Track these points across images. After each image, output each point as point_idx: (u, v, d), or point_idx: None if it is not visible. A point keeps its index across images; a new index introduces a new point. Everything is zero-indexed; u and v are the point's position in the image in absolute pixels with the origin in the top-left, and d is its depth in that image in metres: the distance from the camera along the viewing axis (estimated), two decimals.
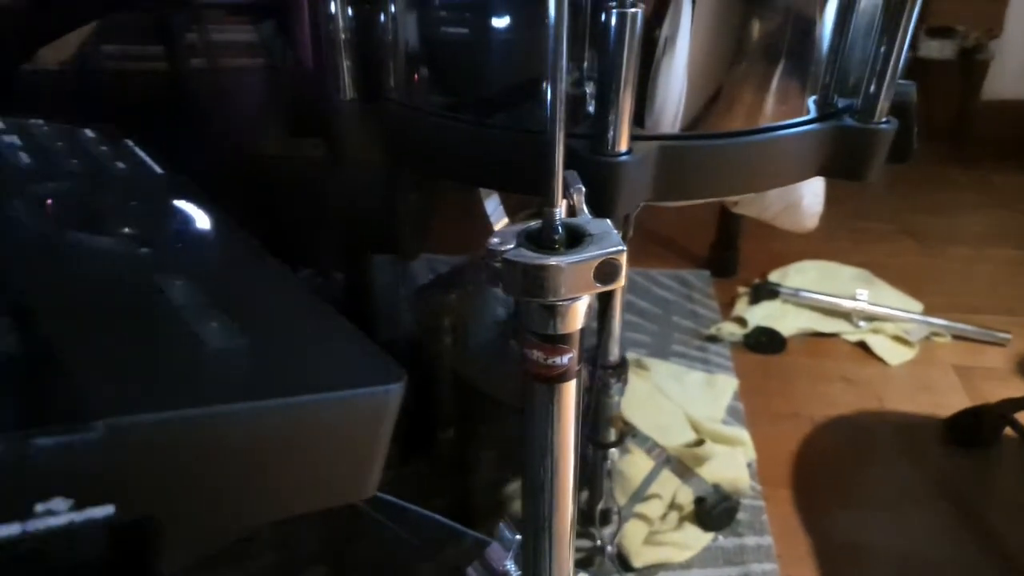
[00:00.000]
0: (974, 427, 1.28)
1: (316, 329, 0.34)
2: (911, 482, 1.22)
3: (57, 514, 0.24)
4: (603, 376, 0.93)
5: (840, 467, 1.26)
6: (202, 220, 0.41)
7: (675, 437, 1.26)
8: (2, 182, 0.38)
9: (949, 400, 1.36)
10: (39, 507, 0.24)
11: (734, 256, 1.72)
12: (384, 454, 0.32)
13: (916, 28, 0.55)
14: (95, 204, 0.39)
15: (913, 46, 0.56)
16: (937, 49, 2.06)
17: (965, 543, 1.12)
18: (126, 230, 0.37)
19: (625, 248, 0.44)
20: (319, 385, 0.30)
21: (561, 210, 0.45)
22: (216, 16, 1.68)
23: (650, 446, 1.10)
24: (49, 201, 0.38)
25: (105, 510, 0.25)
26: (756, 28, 0.54)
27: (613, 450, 1.00)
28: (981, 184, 2.10)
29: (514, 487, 1.18)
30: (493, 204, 0.69)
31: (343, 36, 0.59)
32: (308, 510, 0.31)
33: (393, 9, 0.58)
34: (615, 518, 1.04)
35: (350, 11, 0.59)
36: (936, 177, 2.02)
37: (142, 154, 0.49)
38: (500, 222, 0.75)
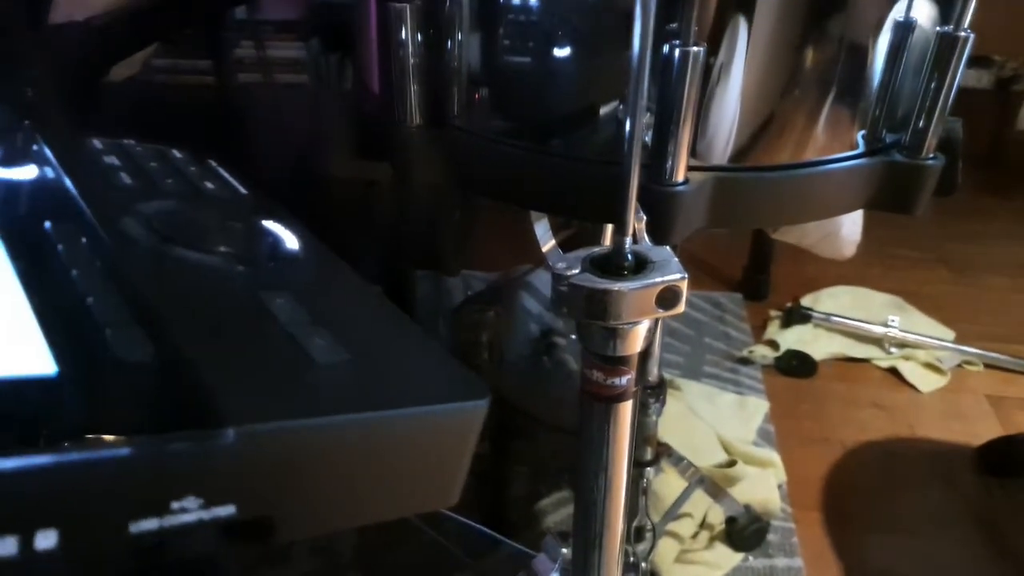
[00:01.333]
0: (1007, 456, 1.28)
1: (406, 345, 0.37)
2: (943, 510, 1.22)
3: (189, 512, 0.27)
4: (642, 396, 0.95)
5: (871, 492, 1.26)
6: (291, 240, 0.43)
7: (707, 457, 1.27)
8: (113, 201, 0.41)
9: (981, 429, 1.37)
10: (174, 505, 0.26)
11: (766, 279, 1.73)
12: (468, 464, 0.34)
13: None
14: (195, 223, 0.42)
15: None
16: (974, 78, 2.07)
17: (997, 572, 1.12)
18: (223, 249, 0.40)
19: (687, 276, 0.46)
20: (415, 399, 0.32)
21: (628, 239, 0.47)
22: (265, 33, 1.73)
23: (684, 466, 1.11)
24: (155, 220, 0.40)
25: (228, 509, 0.27)
26: (809, 60, 0.56)
27: (648, 469, 1.02)
28: (1015, 213, 2.10)
29: (547, 502, 1.20)
30: (543, 228, 0.72)
31: (412, 61, 0.61)
32: (399, 515, 0.33)
33: (460, 36, 0.60)
34: (649, 535, 1.05)
35: (419, 36, 0.61)
36: (970, 206, 2.03)
37: (226, 175, 0.52)
38: (548, 244, 0.77)
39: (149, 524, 0.26)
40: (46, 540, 0.24)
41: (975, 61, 2.07)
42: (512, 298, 1.47)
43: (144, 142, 0.54)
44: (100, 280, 0.33)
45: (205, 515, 0.27)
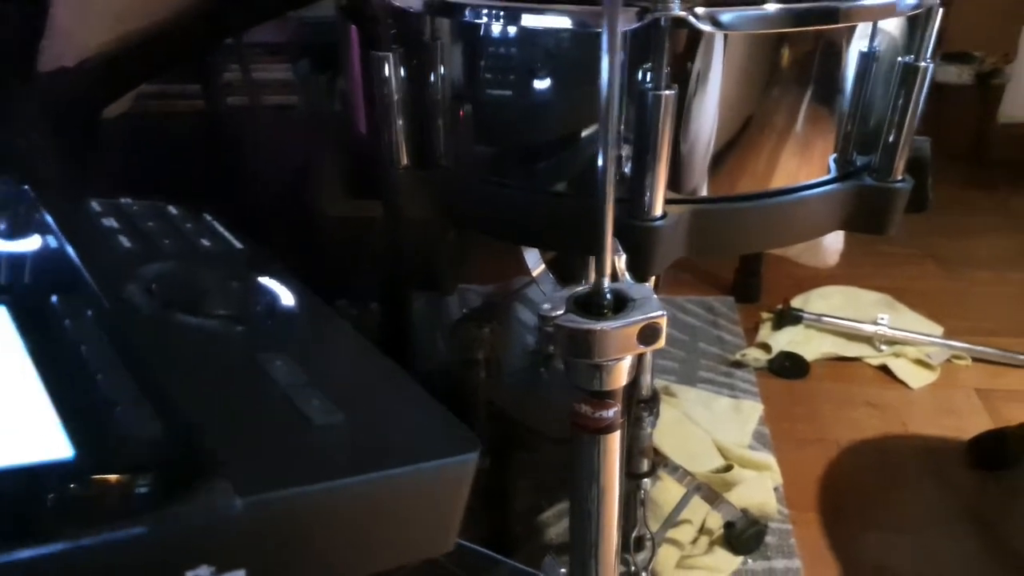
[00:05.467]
0: (997, 449, 1.30)
1: (399, 401, 0.39)
2: (936, 504, 1.24)
3: None
4: (636, 410, 0.97)
5: (866, 490, 1.28)
6: (286, 296, 0.45)
7: (703, 463, 1.29)
8: (114, 268, 0.43)
9: (971, 423, 1.39)
10: (188, 574, 0.28)
11: (757, 282, 1.75)
12: (461, 514, 0.37)
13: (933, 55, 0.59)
14: (194, 287, 0.44)
15: None
16: (954, 74, 2.09)
17: (990, 564, 1.14)
18: (222, 311, 0.42)
19: (665, 313, 0.48)
20: (410, 457, 0.34)
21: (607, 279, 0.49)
22: (254, 56, 1.75)
23: (681, 474, 1.13)
24: (154, 285, 0.42)
25: (237, 574, 0.30)
26: (780, 91, 0.58)
27: (646, 480, 1.04)
28: (1000, 207, 2.13)
29: (549, 514, 1.22)
30: (533, 256, 0.74)
31: (397, 101, 0.63)
32: (396, 564, 0.35)
33: (442, 79, 0.62)
34: (648, 544, 1.07)
35: (403, 80, 0.63)
36: (955, 200, 2.05)
37: (222, 229, 0.54)
38: (538, 269, 0.79)
39: None
40: None
41: (956, 57, 2.10)
42: (508, 312, 1.50)
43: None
44: (107, 355, 0.36)
45: None
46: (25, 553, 0.25)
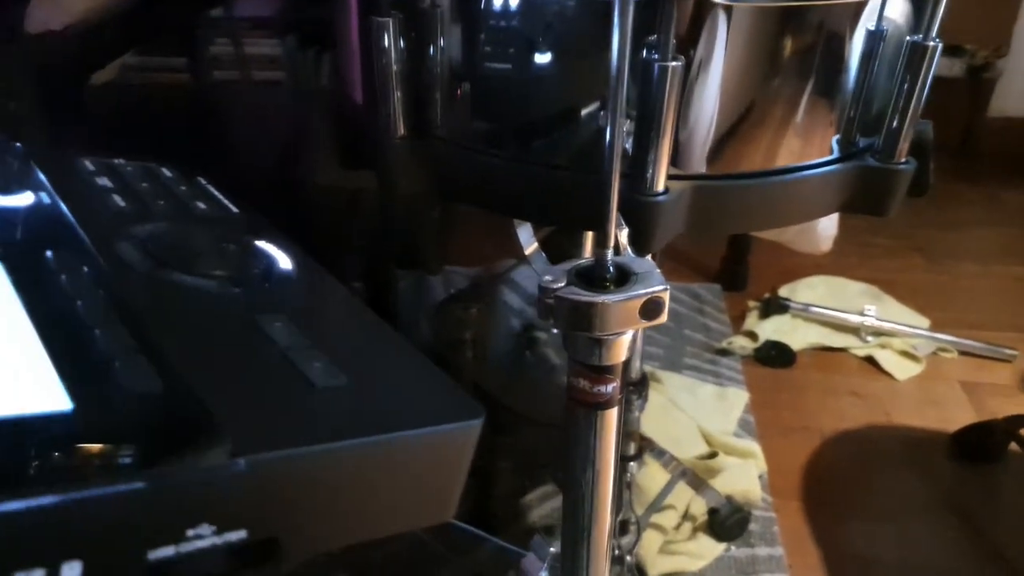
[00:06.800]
0: (980, 442, 1.31)
1: (402, 365, 0.38)
2: (918, 495, 1.25)
3: (203, 538, 0.28)
4: (625, 394, 0.97)
5: (849, 480, 1.29)
6: (283, 259, 0.44)
7: (688, 449, 1.29)
8: (108, 226, 0.42)
9: (956, 415, 1.40)
10: (189, 532, 0.28)
11: (744, 270, 1.75)
12: (463, 481, 0.36)
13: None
14: (190, 247, 0.42)
15: None
16: (946, 67, 2.10)
17: (971, 555, 1.15)
18: (219, 272, 0.41)
19: (668, 287, 0.48)
20: (413, 421, 0.33)
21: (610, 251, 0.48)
22: (240, 29, 1.72)
23: (666, 459, 1.13)
24: (149, 244, 0.41)
25: (239, 534, 0.29)
26: (785, 68, 0.58)
27: (632, 463, 1.04)
28: (988, 200, 2.14)
29: (532, 496, 1.22)
30: (526, 232, 0.73)
31: (395, 71, 0.62)
32: (397, 531, 0.35)
33: (441, 47, 0.61)
34: (633, 528, 1.07)
35: (402, 48, 0.62)
36: (944, 193, 2.06)
37: (216, 192, 0.52)
38: (531, 248, 0.78)
39: (166, 552, 0.27)
40: (71, 571, 0.25)
41: (947, 50, 2.11)
42: (494, 294, 1.49)
43: (131, 147, 0.55)
44: (103, 310, 0.34)
45: (218, 540, 0.28)
46: (14, 505, 0.24)
